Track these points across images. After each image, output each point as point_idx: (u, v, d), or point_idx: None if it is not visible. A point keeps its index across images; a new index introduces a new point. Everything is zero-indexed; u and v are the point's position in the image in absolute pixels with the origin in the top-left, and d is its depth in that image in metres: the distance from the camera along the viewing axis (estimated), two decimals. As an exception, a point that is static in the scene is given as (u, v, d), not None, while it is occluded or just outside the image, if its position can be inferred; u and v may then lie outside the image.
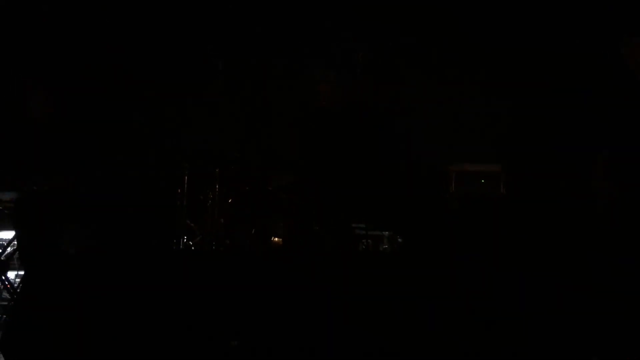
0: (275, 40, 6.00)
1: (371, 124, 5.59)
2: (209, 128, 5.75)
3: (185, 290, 3.28)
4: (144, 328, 3.20)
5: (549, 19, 5.58)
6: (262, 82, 5.67)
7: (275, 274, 3.34)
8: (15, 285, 4.60)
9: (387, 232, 5.25)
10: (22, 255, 4.56)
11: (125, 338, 3.18)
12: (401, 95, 5.76)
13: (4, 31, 6.02)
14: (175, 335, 3.17)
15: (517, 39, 5.65)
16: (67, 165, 4.65)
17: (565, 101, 5.32)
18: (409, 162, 5.67)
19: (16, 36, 6.04)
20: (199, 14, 6.15)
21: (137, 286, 3.32)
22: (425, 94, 5.71)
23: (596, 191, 3.72)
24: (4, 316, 4.50)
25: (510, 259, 3.40)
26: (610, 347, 3.04)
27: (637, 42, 3.73)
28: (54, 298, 3.33)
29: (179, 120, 5.94)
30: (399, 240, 5.18)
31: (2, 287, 4.64)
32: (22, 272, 4.67)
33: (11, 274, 4.74)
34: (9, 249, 4.64)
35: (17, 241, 4.58)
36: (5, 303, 4.68)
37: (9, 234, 4.70)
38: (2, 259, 4.61)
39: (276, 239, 4.70)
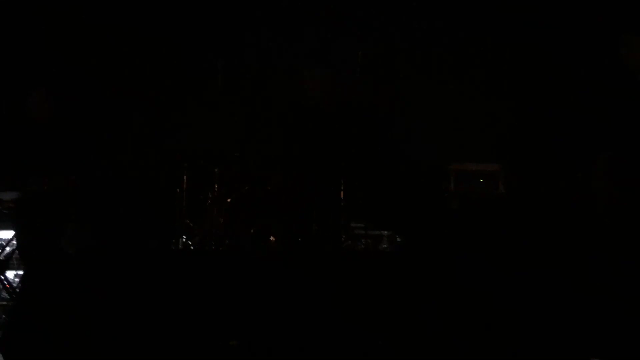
0: (274, 40, 6.01)
1: (370, 123, 5.59)
2: (208, 127, 5.75)
3: (184, 290, 3.28)
4: (144, 328, 3.19)
5: (549, 18, 5.58)
6: (261, 81, 5.67)
7: (274, 274, 3.34)
8: (15, 285, 4.60)
9: (386, 232, 5.25)
10: (23, 255, 4.57)
11: (125, 338, 3.18)
12: (400, 94, 5.76)
13: (5, 31, 6.03)
14: (174, 335, 3.16)
15: (517, 38, 5.66)
16: (67, 165, 4.65)
17: (565, 101, 5.33)
18: (408, 161, 5.67)
19: (16, 36, 6.05)
20: (198, 13, 6.15)
21: (137, 286, 3.32)
22: (424, 93, 5.72)
23: (596, 191, 3.72)
24: (4, 316, 4.50)
25: (510, 259, 3.39)
26: (610, 347, 3.04)
27: (637, 42, 3.73)
28: (54, 298, 3.33)
29: (179, 120, 5.95)
30: (398, 239, 5.18)
31: (1, 287, 4.64)
32: (21, 272, 4.67)
33: (10, 274, 4.74)
34: (8, 249, 4.64)
35: (17, 241, 4.58)
36: (5, 303, 4.68)
37: (8, 234, 4.70)
38: (1, 258, 4.61)
39: (276, 238, 4.70)
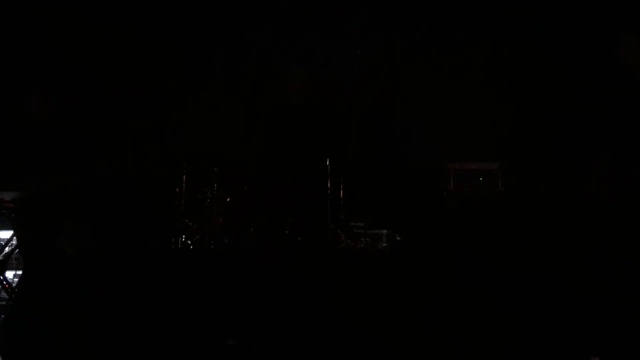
0: (273, 40, 6.01)
1: (370, 123, 5.60)
2: (207, 127, 5.75)
3: (184, 289, 3.27)
4: (143, 328, 3.19)
5: (549, 18, 5.58)
6: (260, 81, 5.67)
7: (274, 274, 3.33)
8: (14, 285, 4.60)
9: (385, 231, 5.25)
10: (23, 255, 4.57)
11: (124, 338, 3.18)
12: (400, 93, 5.76)
13: (5, 31, 6.04)
14: (174, 334, 3.16)
15: (517, 37, 5.66)
16: (67, 165, 4.65)
17: (564, 100, 5.33)
18: (408, 161, 5.67)
19: (16, 36, 6.05)
20: (198, 13, 6.16)
21: (136, 286, 3.32)
22: (424, 93, 5.72)
23: (595, 190, 3.71)
24: (3, 316, 4.50)
25: (510, 258, 3.39)
26: (610, 347, 3.04)
27: (637, 42, 3.72)
28: (53, 298, 3.33)
29: (178, 119, 5.95)
30: (398, 238, 5.18)
31: (0, 286, 4.64)
32: (20, 272, 4.67)
33: (10, 274, 4.74)
34: (7, 249, 4.64)
35: (16, 241, 4.58)
36: (4, 303, 4.68)
37: (7, 234, 4.70)
38: (0, 258, 4.60)
39: (276, 238, 4.70)
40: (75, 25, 6.17)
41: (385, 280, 3.26)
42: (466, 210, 4.86)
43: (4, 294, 4.65)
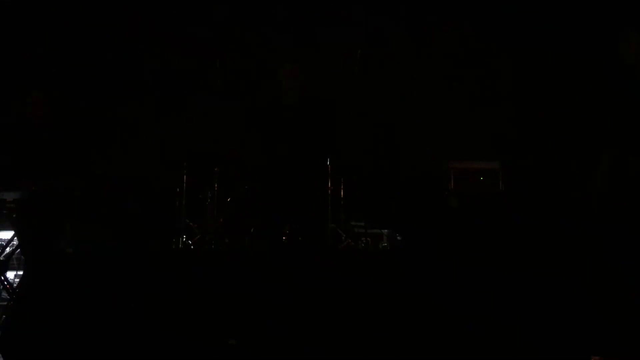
0: (274, 39, 6.01)
1: (370, 122, 5.59)
2: (208, 127, 5.75)
3: (184, 289, 3.27)
4: (144, 327, 3.19)
5: (549, 17, 5.58)
6: (260, 81, 5.67)
7: (274, 273, 3.33)
8: (15, 285, 4.60)
9: (386, 230, 5.25)
10: (25, 255, 4.57)
11: (125, 337, 3.18)
12: (400, 92, 5.76)
13: (5, 31, 6.04)
14: (174, 334, 3.16)
15: (517, 37, 5.65)
16: (67, 166, 4.65)
17: (565, 99, 5.32)
18: (408, 160, 5.67)
19: (17, 37, 6.06)
20: (199, 13, 6.16)
21: (137, 285, 3.32)
22: (424, 92, 5.72)
23: (595, 189, 3.71)
24: (4, 316, 4.51)
25: (510, 256, 3.38)
26: (610, 346, 3.03)
27: (637, 41, 3.71)
28: (53, 298, 3.32)
29: (178, 119, 5.95)
30: (398, 238, 5.18)
31: (1, 287, 4.65)
32: (21, 272, 4.68)
33: (10, 274, 4.74)
34: (8, 249, 4.64)
35: (17, 241, 4.58)
36: (5, 303, 4.68)
37: (8, 234, 4.70)
38: (1, 258, 4.61)
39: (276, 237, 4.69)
40: (76, 25, 6.17)
41: (386, 280, 3.25)
42: (466, 209, 4.85)
43: (5, 294, 4.66)
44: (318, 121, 4.67)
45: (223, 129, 5.54)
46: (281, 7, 6.09)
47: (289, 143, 4.61)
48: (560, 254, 3.35)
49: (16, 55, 6.08)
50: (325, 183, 4.65)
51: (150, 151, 5.88)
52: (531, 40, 5.61)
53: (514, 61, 5.66)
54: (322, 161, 4.66)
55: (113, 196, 5.37)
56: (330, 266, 3.36)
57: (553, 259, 3.27)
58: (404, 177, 5.64)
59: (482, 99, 5.61)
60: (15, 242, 4.63)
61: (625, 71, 3.74)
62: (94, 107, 6.02)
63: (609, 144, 3.69)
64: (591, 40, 5.19)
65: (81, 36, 6.17)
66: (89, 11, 6.16)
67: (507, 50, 5.67)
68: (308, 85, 4.74)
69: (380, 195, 5.46)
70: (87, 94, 6.07)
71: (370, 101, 5.57)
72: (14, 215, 4.47)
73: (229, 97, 5.64)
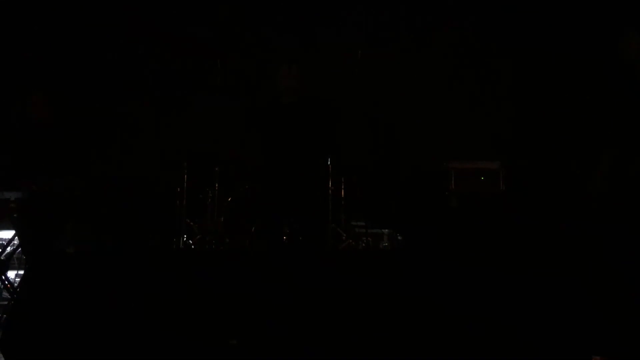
0: (274, 39, 6.01)
1: (371, 122, 5.59)
2: (208, 127, 5.75)
3: (185, 289, 3.27)
4: (144, 327, 3.19)
5: (550, 16, 5.58)
6: (260, 80, 5.67)
7: (275, 273, 3.33)
8: (15, 284, 4.60)
9: (386, 230, 5.25)
10: (26, 255, 4.57)
11: (125, 337, 3.18)
12: (401, 92, 5.76)
13: (5, 31, 6.04)
14: (175, 334, 3.16)
15: (517, 36, 5.65)
16: (68, 166, 4.65)
17: (565, 99, 5.32)
18: (409, 160, 5.67)
19: (17, 37, 6.06)
20: (199, 12, 6.16)
21: (137, 285, 3.32)
22: (424, 91, 5.72)
23: (595, 190, 3.71)
24: (4, 316, 4.51)
25: (510, 256, 3.38)
26: (611, 346, 3.03)
27: (636, 39, 3.71)
28: (54, 297, 3.32)
29: (179, 119, 5.96)
30: (399, 238, 5.18)
31: (1, 286, 4.65)
32: (22, 272, 4.68)
33: (11, 274, 4.74)
34: (8, 249, 4.64)
35: (18, 241, 4.59)
36: (5, 302, 4.68)
37: (8, 234, 4.70)
38: (2, 258, 4.61)
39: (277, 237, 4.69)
40: (76, 25, 6.17)
41: (387, 280, 3.25)
42: (467, 209, 4.85)
43: (5, 294, 4.66)
44: (318, 121, 4.67)
45: (223, 128, 5.54)
46: (281, 7, 6.09)
47: (290, 143, 4.61)
48: (561, 254, 3.35)
49: (16, 55, 6.08)
50: (326, 183, 4.65)
51: (151, 151, 5.88)
52: (531, 40, 5.61)
53: (514, 61, 5.66)
54: (322, 161, 4.66)
55: (113, 196, 5.37)
56: (330, 266, 3.35)
57: (553, 259, 3.27)
58: (404, 177, 5.64)
59: (482, 99, 5.61)
60: (16, 242, 4.63)
61: (625, 71, 3.74)
62: (94, 107, 6.02)
63: (609, 144, 3.69)
64: (591, 40, 5.20)
65: (81, 36, 6.17)
66: (89, 11, 6.16)
67: (508, 50, 5.67)
68: (308, 85, 4.75)
69: (381, 195, 5.46)
70: (87, 94, 6.07)
71: (371, 101, 5.57)
72: (15, 215, 4.48)
73: (229, 97, 5.63)
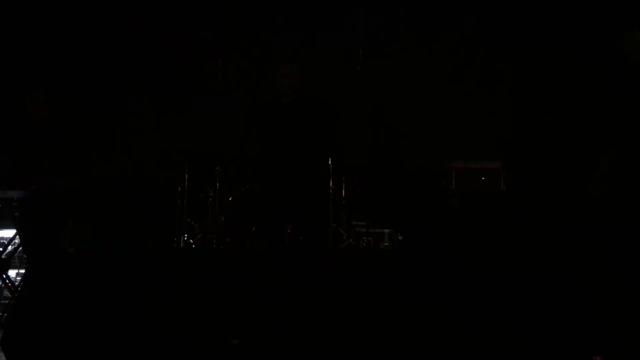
0: (275, 38, 6.01)
1: (372, 122, 5.59)
2: (209, 126, 5.76)
3: (185, 288, 3.27)
4: (145, 327, 3.19)
5: (550, 16, 5.57)
6: (261, 79, 5.67)
7: (276, 273, 3.33)
8: (16, 283, 4.61)
9: (387, 230, 5.25)
10: (27, 254, 4.58)
11: (126, 336, 3.18)
12: (401, 92, 5.76)
13: (6, 32, 6.05)
14: (176, 333, 3.16)
15: (517, 36, 5.65)
16: (69, 165, 4.66)
17: (566, 99, 5.32)
18: (410, 160, 5.67)
19: (17, 37, 6.06)
20: (199, 12, 6.16)
21: (138, 285, 3.32)
22: (425, 91, 5.72)
23: (595, 190, 3.71)
24: (5, 315, 4.52)
25: (511, 256, 3.38)
26: (611, 346, 3.04)
27: (637, 39, 3.71)
28: (55, 297, 3.33)
29: (179, 118, 5.96)
30: (400, 237, 5.18)
31: (3, 285, 4.66)
32: (23, 271, 4.69)
33: (12, 273, 4.75)
34: (10, 248, 4.65)
35: (20, 240, 4.59)
36: (6, 302, 4.69)
37: (9, 233, 4.71)
38: (3, 257, 4.62)
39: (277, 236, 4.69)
40: (76, 25, 6.18)
41: (388, 280, 3.25)
42: (468, 209, 4.85)
43: (6, 293, 4.67)
44: (319, 121, 4.67)
45: (224, 128, 5.55)
46: (281, 7, 6.09)
47: (290, 143, 4.62)
48: (561, 254, 3.35)
49: (16, 55, 6.08)
50: (327, 182, 4.65)
51: (152, 151, 5.88)
52: (532, 40, 5.61)
53: (515, 61, 5.66)
54: (323, 160, 4.67)
55: (114, 195, 5.38)
56: (331, 266, 3.36)
57: (554, 259, 3.28)
58: (405, 177, 5.64)
59: (483, 99, 5.61)
60: (17, 241, 4.64)
61: (626, 71, 3.74)
62: (95, 107, 6.03)
63: (609, 144, 3.69)
64: (592, 40, 5.19)
65: (81, 36, 6.18)
66: (90, 11, 6.17)
67: (508, 50, 5.67)
68: (309, 84, 4.75)
69: (382, 195, 5.47)
70: (87, 93, 6.08)
71: (372, 101, 5.58)
72: (16, 214, 4.48)
73: (229, 96, 5.64)
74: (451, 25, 5.81)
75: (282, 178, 4.58)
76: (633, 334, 3.10)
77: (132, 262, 3.45)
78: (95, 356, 3.17)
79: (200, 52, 6.08)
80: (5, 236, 4.78)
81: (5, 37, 6.08)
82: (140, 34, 6.16)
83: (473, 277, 3.20)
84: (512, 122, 5.54)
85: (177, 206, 5.03)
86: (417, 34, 5.88)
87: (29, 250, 4.54)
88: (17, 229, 4.59)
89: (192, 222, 5.10)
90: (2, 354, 3.28)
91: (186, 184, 4.99)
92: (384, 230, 5.24)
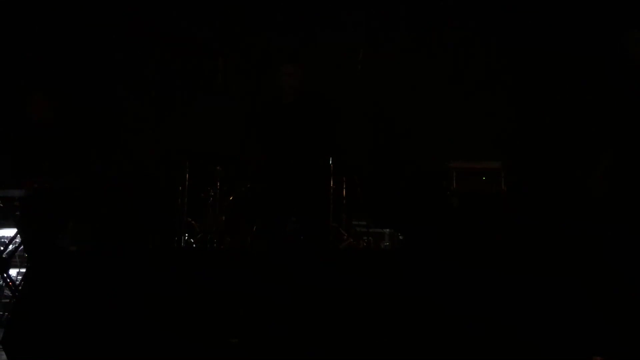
0: (275, 38, 6.01)
1: (372, 121, 5.60)
2: (210, 126, 5.76)
3: (186, 287, 3.28)
4: (146, 325, 3.20)
5: (550, 16, 5.58)
6: (262, 79, 5.67)
7: (276, 272, 3.34)
8: (17, 282, 4.62)
9: (388, 230, 5.26)
10: (28, 253, 4.59)
11: (127, 335, 3.19)
12: (402, 92, 5.76)
13: (6, 32, 6.05)
14: (176, 332, 3.17)
15: (518, 36, 5.65)
16: (70, 165, 4.67)
17: (566, 99, 5.32)
18: (410, 159, 5.67)
19: (17, 37, 6.07)
20: (200, 12, 6.17)
21: (139, 284, 3.33)
22: (426, 91, 5.72)
23: (597, 189, 3.71)
24: (6, 314, 4.52)
25: (511, 256, 3.39)
26: (612, 346, 3.04)
27: (637, 39, 3.71)
28: (56, 296, 3.34)
29: (180, 118, 5.96)
30: (400, 237, 5.18)
31: (3, 284, 4.66)
32: (23, 270, 4.69)
33: (13, 272, 4.75)
34: (11, 247, 4.66)
35: (21, 239, 4.60)
36: (7, 301, 4.70)
37: (10, 232, 4.72)
38: (4, 256, 4.62)
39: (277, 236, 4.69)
40: (76, 25, 6.18)
41: (388, 279, 3.26)
42: (468, 209, 4.85)
43: (7, 292, 4.67)
44: (320, 120, 4.68)
45: (224, 128, 5.56)
46: (282, 7, 6.09)
47: (291, 142, 4.62)
48: (561, 254, 3.35)
49: (16, 55, 6.09)
50: (327, 182, 4.66)
51: (153, 150, 5.89)
52: (532, 40, 5.61)
53: (515, 61, 5.66)
54: (323, 160, 4.67)
55: (115, 195, 5.38)
56: (331, 265, 3.36)
57: (554, 259, 3.28)
58: (405, 177, 5.65)
59: (483, 99, 5.61)
60: (18, 240, 4.64)
61: (626, 71, 3.74)
62: (95, 106, 6.03)
63: (609, 144, 3.69)
64: (592, 40, 5.20)
65: (82, 36, 6.18)
66: (90, 11, 6.17)
67: (508, 50, 5.67)
68: (309, 84, 4.76)
69: (382, 195, 5.47)
70: (87, 93, 6.08)
71: (372, 100, 5.58)
72: (17, 213, 4.49)
73: (230, 96, 5.65)
74: (451, 25, 5.81)
75: (283, 178, 4.58)
76: (633, 334, 3.10)
77: (133, 262, 3.45)
78: (96, 355, 3.17)
79: (200, 52, 6.09)
80: (6, 235, 4.78)
81: (5, 37, 6.08)
82: (140, 34, 6.17)
83: (473, 277, 3.20)
84: (512, 122, 5.55)
85: (177, 206, 5.03)
86: (418, 33, 5.88)
87: (30, 250, 4.54)
88: (18, 228, 4.60)
89: (193, 222, 5.10)
90: (2, 352, 3.28)
91: (187, 183, 4.99)
92: (384, 230, 5.25)
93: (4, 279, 4.59)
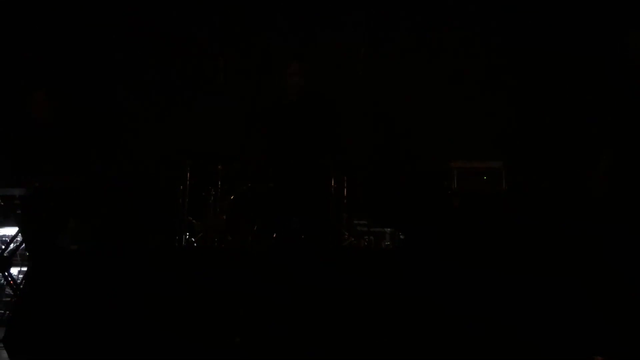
0: (276, 38, 6.02)
1: (373, 121, 5.60)
2: (211, 125, 5.77)
3: (187, 286, 3.28)
4: (148, 324, 3.20)
5: (551, 16, 5.58)
6: (263, 78, 5.67)
7: (277, 271, 3.34)
8: (18, 281, 4.62)
9: (389, 229, 5.26)
10: (29, 252, 4.59)
11: (128, 334, 3.19)
12: (403, 91, 5.76)
13: (6, 32, 6.06)
14: (178, 331, 3.17)
15: (518, 36, 5.65)
16: (71, 164, 4.67)
17: (567, 99, 5.33)
18: (411, 159, 5.68)
19: (17, 37, 6.07)
20: (201, 12, 6.17)
21: (140, 283, 3.33)
22: (427, 91, 5.72)
23: (597, 189, 3.72)
24: (7, 312, 4.53)
25: (512, 256, 3.39)
26: (612, 346, 3.04)
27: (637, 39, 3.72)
28: (57, 295, 3.34)
29: (181, 117, 5.97)
30: (401, 237, 5.18)
31: (5, 283, 4.67)
32: (25, 269, 4.70)
33: (14, 270, 4.76)
34: (12, 245, 4.66)
35: (22, 237, 4.60)
36: (9, 299, 4.70)
37: (12, 230, 4.72)
38: (5, 255, 4.63)
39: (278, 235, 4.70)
40: (77, 25, 6.18)
41: (389, 279, 3.26)
42: (469, 208, 4.86)
43: (9, 291, 4.68)
44: (321, 120, 4.68)
45: (226, 127, 5.56)
46: (282, 6, 6.10)
47: (292, 142, 4.62)
48: (562, 254, 3.36)
49: (16, 55, 6.09)
50: (328, 181, 4.66)
51: (154, 149, 5.89)
52: (532, 40, 5.62)
53: (515, 61, 5.66)
54: (324, 159, 4.67)
55: (116, 194, 5.39)
56: (332, 265, 3.36)
57: (554, 259, 3.28)
58: (406, 176, 5.65)
59: (484, 99, 5.61)
60: (19, 239, 4.65)
61: (626, 71, 3.75)
62: (95, 106, 6.04)
63: (610, 144, 3.70)
64: (593, 40, 5.20)
65: (82, 36, 6.18)
66: (91, 11, 6.17)
67: (509, 50, 5.68)
68: (311, 83, 4.76)
69: (383, 194, 5.48)
70: (88, 93, 6.09)
71: (373, 100, 5.58)
72: (18, 212, 4.49)
73: (231, 96, 5.65)
74: (452, 25, 5.81)
75: (284, 177, 4.59)
76: (633, 334, 3.11)
77: (134, 261, 3.46)
78: (97, 354, 3.18)
79: (200, 52, 6.09)
80: (7, 234, 4.79)
81: (6, 37, 6.08)
82: (140, 34, 6.17)
83: (473, 277, 3.20)
84: (513, 122, 5.55)
85: (178, 205, 5.04)
86: (418, 33, 5.89)
87: (31, 248, 4.55)
88: (19, 227, 4.60)
89: (194, 221, 5.11)
90: (4, 350, 3.29)
91: (188, 182, 5.00)
92: (385, 229, 5.25)
93: (5, 278, 4.59)
